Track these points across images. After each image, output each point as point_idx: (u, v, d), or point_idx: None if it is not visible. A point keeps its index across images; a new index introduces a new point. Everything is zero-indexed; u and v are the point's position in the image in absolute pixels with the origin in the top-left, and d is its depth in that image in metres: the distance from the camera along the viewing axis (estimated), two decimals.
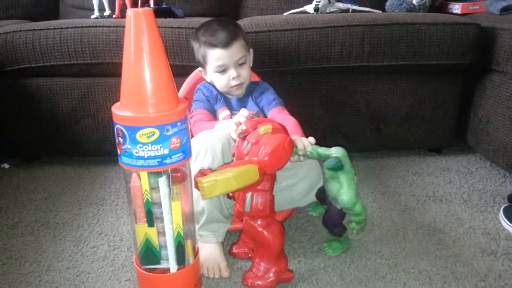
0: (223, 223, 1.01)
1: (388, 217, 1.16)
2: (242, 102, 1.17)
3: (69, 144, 1.47)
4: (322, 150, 0.94)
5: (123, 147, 0.77)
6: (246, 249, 1.00)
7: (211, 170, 0.83)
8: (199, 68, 1.18)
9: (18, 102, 1.43)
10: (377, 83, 1.41)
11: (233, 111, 1.15)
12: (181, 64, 1.33)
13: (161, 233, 0.84)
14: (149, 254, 0.85)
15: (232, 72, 1.10)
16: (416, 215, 1.17)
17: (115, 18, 1.61)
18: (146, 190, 0.81)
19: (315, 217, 1.16)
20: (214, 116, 1.14)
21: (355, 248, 1.04)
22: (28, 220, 1.18)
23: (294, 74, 1.37)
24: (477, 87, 1.44)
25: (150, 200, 0.81)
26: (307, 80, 1.40)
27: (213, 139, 0.96)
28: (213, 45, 1.07)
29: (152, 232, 0.83)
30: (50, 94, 1.41)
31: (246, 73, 1.12)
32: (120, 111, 0.77)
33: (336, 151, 0.93)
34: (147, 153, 0.76)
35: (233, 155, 0.94)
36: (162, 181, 0.80)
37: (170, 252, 0.84)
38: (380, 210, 1.20)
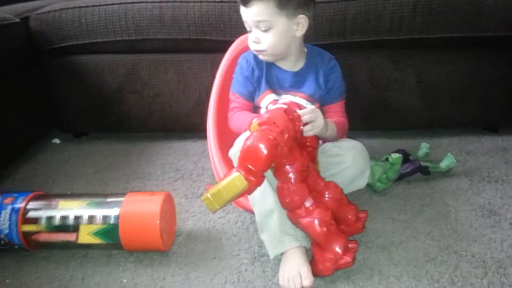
0: None
1: (439, 197, 1.11)
2: (299, 78, 1.05)
3: (116, 120, 1.50)
4: None
5: None
6: None
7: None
8: None
9: (67, 79, 1.47)
10: (429, 57, 1.34)
11: (281, 89, 1.05)
12: (224, 40, 1.30)
13: None
14: None
15: (251, 35, 1.00)
16: (469, 196, 1.11)
17: None
18: None
19: (365, 197, 1.13)
20: (253, 99, 1.08)
21: (404, 229, 1.00)
22: (79, 192, 1.21)
23: (340, 48, 1.31)
24: None
25: None
26: (354, 54, 1.34)
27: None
28: (239, 1, 0.99)
29: None
30: (96, 71, 1.44)
31: (268, 41, 0.98)
32: None
33: None
34: None
35: None
36: None
37: None
38: (431, 190, 1.15)
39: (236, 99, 1.08)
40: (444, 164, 1.18)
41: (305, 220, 0.86)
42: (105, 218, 0.93)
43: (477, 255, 0.91)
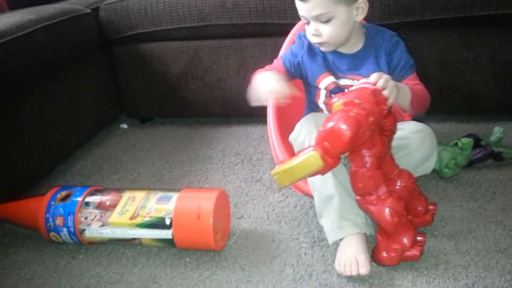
0: (357, 211, 0.88)
1: None
2: (357, 61, 1.01)
3: (179, 106, 1.54)
4: None
5: None
6: None
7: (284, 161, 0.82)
8: None
9: (134, 66, 1.53)
10: (505, 35, 1.24)
11: (341, 73, 1.01)
12: (285, 23, 1.29)
13: None
14: None
15: (309, 28, 0.96)
16: None
17: None
18: None
19: (432, 183, 1.08)
20: (291, 74, 1.06)
21: (473, 217, 0.95)
22: (146, 175, 1.28)
23: (408, 27, 1.25)
24: None
25: None
26: (422, 34, 1.27)
27: (319, 122, 0.90)
28: None
29: None
30: (161, 58, 1.48)
31: (329, 32, 0.94)
32: None
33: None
34: None
35: None
36: None
37: None
38: (504, 177, 1.07)
39: (278, 63, 1.08)
40: (493, 137, 1.10)
41: (376, 208, 0.82)
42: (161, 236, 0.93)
43: None
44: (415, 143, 0.94)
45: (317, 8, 0.92)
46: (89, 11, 1.42)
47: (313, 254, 0.91)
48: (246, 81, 1.44)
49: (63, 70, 1.35)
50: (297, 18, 1.20)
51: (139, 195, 0.98)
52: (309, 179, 0.93)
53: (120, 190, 1.01)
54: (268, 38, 1.37)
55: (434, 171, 1.04)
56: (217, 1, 1.34)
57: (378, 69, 1.00)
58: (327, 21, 0.93)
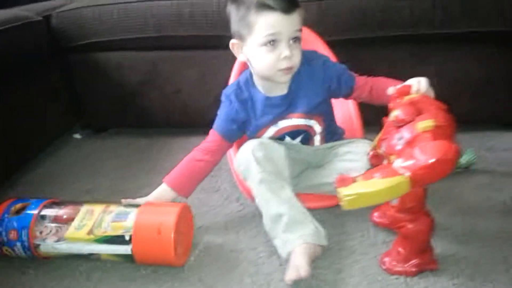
0: (306, 223, 0.89)
1: (459, 193, 1.10)
2: (288, 99, 0.99)
3: (137, 116, 1.53)
4: None
5: None
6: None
7: (352, 179, 0.74)
8: (233, 41, 0.98)
9: (90, 76, 1.50)
10: (450, 52, 1.32)
11: (276, 118, 1.00)
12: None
13: None
14: None
15: (284, 50, 0.89)
16: (489, 192, 1.09)
17: None
18: None
19: None
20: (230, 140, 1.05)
21: None
22: (101, 186, 1.25)
23: (358, 44, 1.31)
24: None
25: None
26: (372, 50, 1.33)
27: (254, 152, 0.93)
28: (270, 8, 0.87)
29: None
30: (118, 68, 1.46)
31: (299, 55, 0.92)
32: None
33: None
34: None
35: (377, 148, 0.87)
36: None
37: None
38: (451, 186, 1.13)
39: (214, 137, 1.05)
40: (464, 160, 1.17)
41: (414, 224, 0.80)
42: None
43: (499, 251, 0.89)
44: (363, 166, 0.95)
45: (298, 24, 0.89)
46: (40, 18, 1.38)
47: (271, 263, 0.91)
48: (205, 92, 1.45)
49: (14, 79, 1.30)
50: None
51: (98, 208, 0.94)
52: (256, 200, 0.95)
53: (78, 203, 0.97)
54: (228, 50, 1.38)
55: None
56: (173, 13, 1.34)
57: (315, 97, 1.00)
58: (296, 41, 0.91)
